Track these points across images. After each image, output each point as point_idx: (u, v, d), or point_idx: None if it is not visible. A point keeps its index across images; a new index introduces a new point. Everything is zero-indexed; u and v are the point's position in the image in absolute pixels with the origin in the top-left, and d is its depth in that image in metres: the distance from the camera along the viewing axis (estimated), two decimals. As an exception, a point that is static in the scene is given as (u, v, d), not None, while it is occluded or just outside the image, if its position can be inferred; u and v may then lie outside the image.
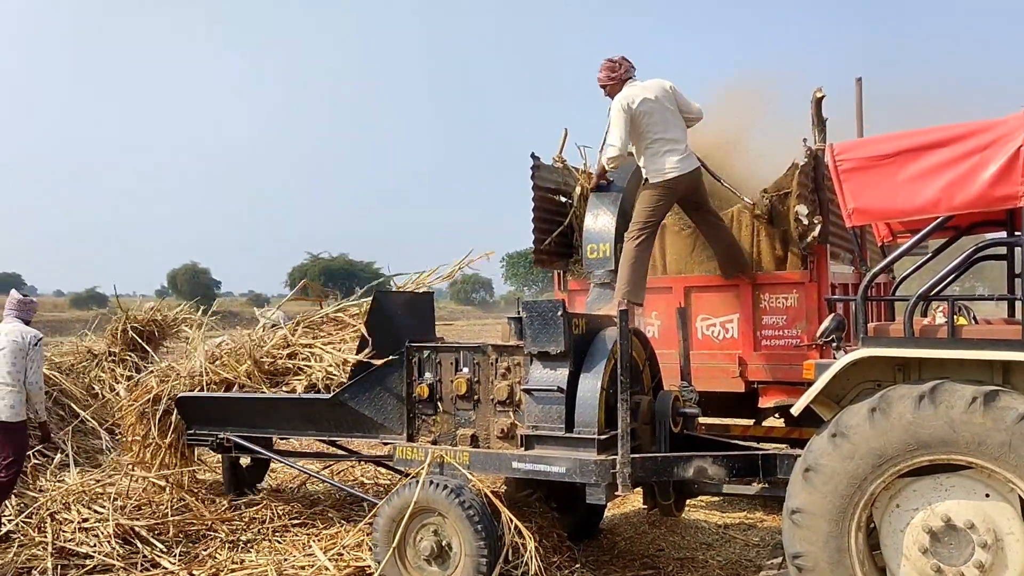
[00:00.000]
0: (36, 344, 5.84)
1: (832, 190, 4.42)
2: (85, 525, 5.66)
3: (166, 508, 6.02)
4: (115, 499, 5.94)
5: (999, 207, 3.97)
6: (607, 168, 6.08)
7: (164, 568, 5.35)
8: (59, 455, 7.23)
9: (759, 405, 6.34)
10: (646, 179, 5.96)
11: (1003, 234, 4.88)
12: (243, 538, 5.80)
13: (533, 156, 6.78)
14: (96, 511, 5.77)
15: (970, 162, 3.84)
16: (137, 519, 5.81)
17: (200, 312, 7.56)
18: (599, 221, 6.21)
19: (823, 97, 5.97)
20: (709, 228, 6.20)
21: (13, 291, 6.41)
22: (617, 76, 5.98)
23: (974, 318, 5.21)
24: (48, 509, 5.85)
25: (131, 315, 9.11)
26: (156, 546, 5.53)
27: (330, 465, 7.52)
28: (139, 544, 5.55)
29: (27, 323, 5.99)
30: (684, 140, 5.91)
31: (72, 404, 8.27)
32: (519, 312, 4.96)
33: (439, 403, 5.24)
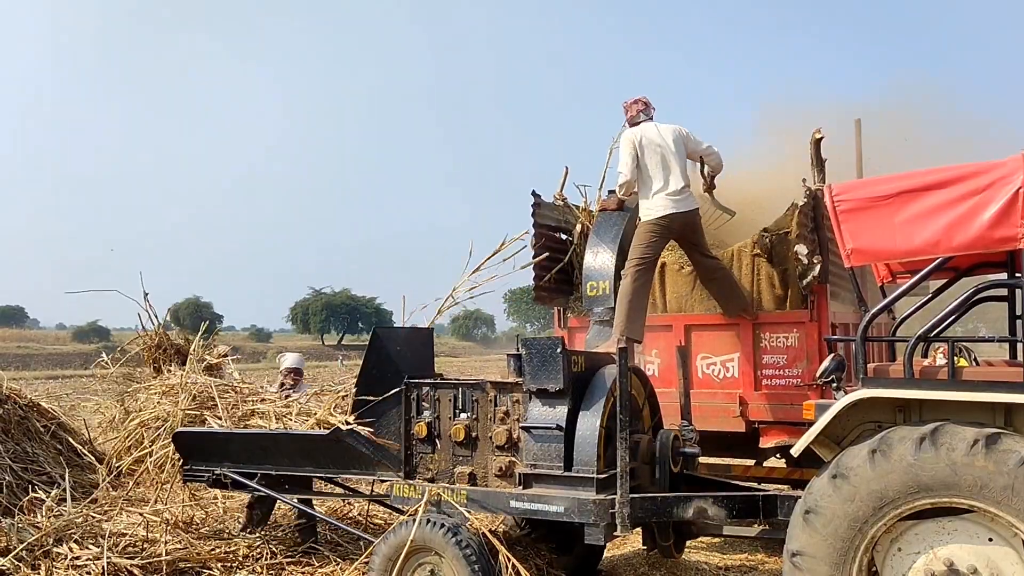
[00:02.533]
0: None
1: (831, 230, 4.42)
2: (77, 563, 5.58)
3: (160, 545, 5.94)
4: (109, 536, 5.86)
5: (998, 248, 3.98)
6: (619, 195, 6.26)
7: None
8: (56, 489, 7.15)
9: (760, 445, 6.29)
10: (639, 217, 6.05)
11: (1003, 276, 4.88)
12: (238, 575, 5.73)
13: (534, 193, 6.82)
14: (89, 548, 5.69)
15: (969, 204, 3.85)
16: (132, 556, 5.73)
17: (202, 337, 7.33)
18: (599, 259, 6.22)
19: (822, 138, 6.02)
20: (704, 270, 6.22)
21: None
22: (628, 119, 6.29)
23: (975, 359, 5.19)
24: (43, 546, 5.77)
25: (152, 336, 7.50)
26: (148, 585, 5.46)
27: (327, 502, 7.44)
28: (132, 582, 5.47)
29: None
30: (681, 183, 5.97)
31: (70, 438, 8.20)
32: (518, 349, 4.96)
33: (437, 440, 5.20)
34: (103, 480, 6.95)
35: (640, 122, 6.18)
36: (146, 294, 7.08)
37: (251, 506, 6.61)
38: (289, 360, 7.42)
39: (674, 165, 5.96)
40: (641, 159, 5.99)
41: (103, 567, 5.45)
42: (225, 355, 7.21)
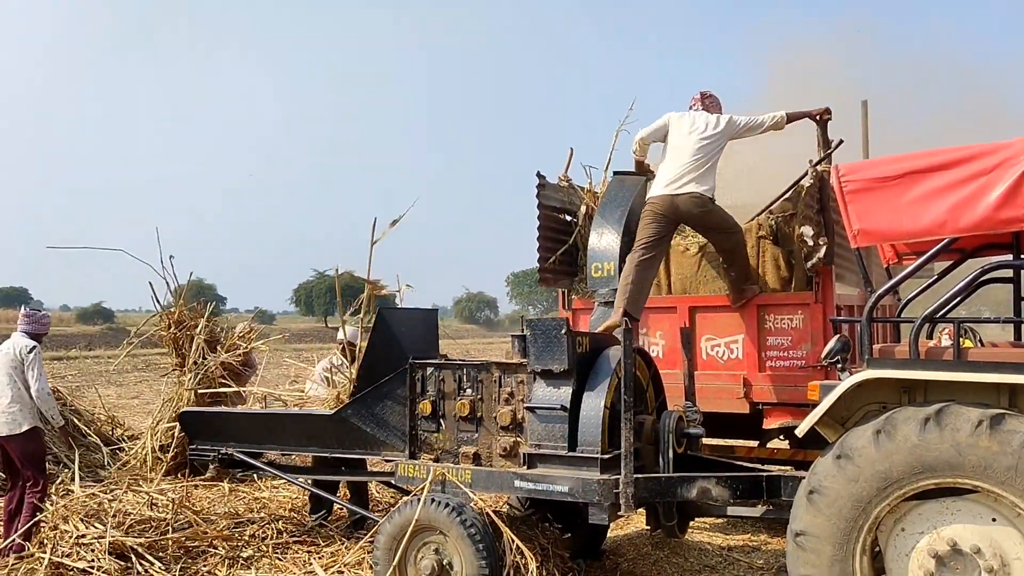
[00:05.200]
0: (30, 352, 5.91)
1: (838, 211, 4.41)
2: (83, 541, 5.61)
3: (166, 524, 5.98)
4: (114, 515, 5.89)
5: (1004, 229, 3.97)
6: (632, 149, 6.33)
7: (161, 584, 5.31)
8: (65, 470, 7.19)
9: (764, 426, 6.30)
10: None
11: (1009, 257, 4.87)
12: (243, 555, 5.76)
13: (539, 175, 6.80)
14: (95, 526, 5.73)
15: (975, 184, 3.84)
16: (137, 535, 5.76)
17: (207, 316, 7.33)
18: (603, 240, 6.21)
19: (829, 119, 5.99)
20: (716, 246, 6.18)
21: (22, 306, 6.47)
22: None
23: (980, 341, 5.18)
24: (50, 524, 5.81)
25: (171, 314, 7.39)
26: (153, 563, 5.48)
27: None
28: (136, 561, 5.50)
29: (34, 336, 6.04)
30: (692, 171, 5.84)
31: (75, 419, 8.26)
32: (523, 330, 4.96)
33: (442, 420, 5.22)
34: (107, 460, 7.00)
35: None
36: (171, 256, 6.86)
37: (313, 509, 6.65)
38: (347, 332, 7.50)
39: (691, 150, 5.86)
40: (669, 135, 6.05)
41: (107, 545, 5.48)
42: (251, 333, 7.22)
